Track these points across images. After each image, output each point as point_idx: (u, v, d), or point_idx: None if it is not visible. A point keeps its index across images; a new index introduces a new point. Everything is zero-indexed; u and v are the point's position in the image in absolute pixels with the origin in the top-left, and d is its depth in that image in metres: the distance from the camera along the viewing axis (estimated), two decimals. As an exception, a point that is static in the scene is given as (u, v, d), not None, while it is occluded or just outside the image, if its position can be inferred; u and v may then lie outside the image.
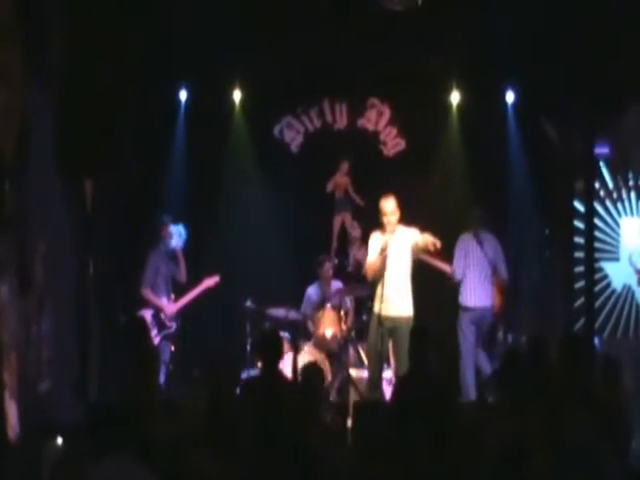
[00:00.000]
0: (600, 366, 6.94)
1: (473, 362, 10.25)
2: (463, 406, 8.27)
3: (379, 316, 9.10)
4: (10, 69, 7.33)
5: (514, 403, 5.95)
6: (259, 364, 7.52)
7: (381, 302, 9.12)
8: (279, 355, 7.34)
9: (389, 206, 9.25)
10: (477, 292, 10.33)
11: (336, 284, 11.07)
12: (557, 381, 6.33)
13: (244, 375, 10.24)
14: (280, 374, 7.36)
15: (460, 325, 10.33)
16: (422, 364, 7.28)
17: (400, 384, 7.72)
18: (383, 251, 9.09)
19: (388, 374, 9.78)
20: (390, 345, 9.31)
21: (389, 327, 9.13)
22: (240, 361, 10.42)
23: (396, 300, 9.20)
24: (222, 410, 6.16)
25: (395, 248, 9.18)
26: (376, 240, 9.34)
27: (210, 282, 10.47)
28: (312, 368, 7.59)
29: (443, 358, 10.70)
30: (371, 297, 9.53)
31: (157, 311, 10.26)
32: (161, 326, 10.24)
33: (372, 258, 9.33)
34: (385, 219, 9.24)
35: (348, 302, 10.84)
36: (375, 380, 9.20)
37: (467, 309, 10.36)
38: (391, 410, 6.67)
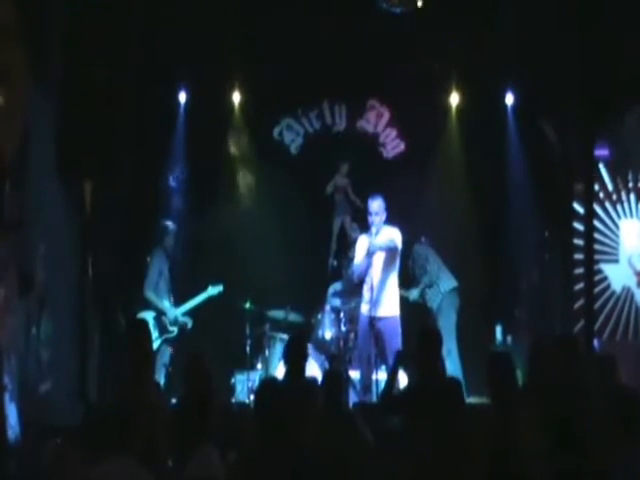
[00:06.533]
0: (596, 365, 6.96)
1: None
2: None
3: (367, 317, 9.14)
4: (12, 70, 7.35)
5: (503, 404, 5.96)
6: (285, 368, 7.45)
7: (368, 303, 9.15)
8: (305, 359, 7.31)
9: (374, 206, 9.22)
10: None
11: (336, 287, 11.09)
12: (554, 381, 6.33)
13: (243, 377, 10.31)
14: (305, 378, 7.33)
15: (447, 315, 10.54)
16: (433, 368, 7.14)
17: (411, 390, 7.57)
18: (368, 253, 9.12)
19: (382, 375, 9.71)
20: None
21: (377, 328, 9.14)
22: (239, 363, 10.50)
23: (383, 300, 9.21)
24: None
25: (380, 249, 9.20)
26: (363, 242, 9.37)
27: (214, 291, 10.50)
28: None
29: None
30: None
31: (159, 314, 10.26)
32: (162, 329, 10.24)
33: (358, 260, 9.36)
34: (370, 219, 9.24)
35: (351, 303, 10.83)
36: (367, 382, 9.20)
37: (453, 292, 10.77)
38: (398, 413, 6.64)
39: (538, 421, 5.51)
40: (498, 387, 6.06)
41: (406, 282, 10.58)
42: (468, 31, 10.53)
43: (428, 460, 5.57)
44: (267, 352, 10.48)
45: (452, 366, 10.03)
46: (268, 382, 6.66)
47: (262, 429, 5.34)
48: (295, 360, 7.12)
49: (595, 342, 10.41)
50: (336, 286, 11.15)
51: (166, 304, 10.33)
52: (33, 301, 8.39)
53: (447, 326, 10.47)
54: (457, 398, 6.59)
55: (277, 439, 5.28)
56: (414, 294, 10.86)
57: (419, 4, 9.63)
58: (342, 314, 10.72)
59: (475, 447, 5.53)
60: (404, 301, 10.04)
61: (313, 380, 7.65)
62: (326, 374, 7.35)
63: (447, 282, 10.88)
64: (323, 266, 11.66)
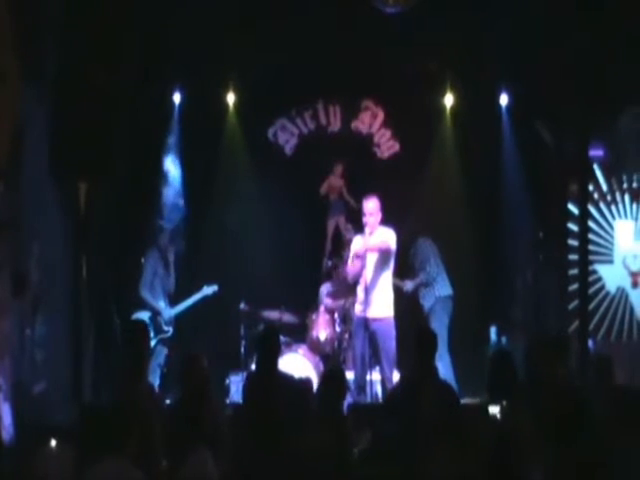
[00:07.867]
0: (593, 365, 6.97)
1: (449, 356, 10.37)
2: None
3: (361, 318, 9.15)
4: (5, 71, 7.33)
5: (507, 403, 5.98)
6: (256, 360, 7.45)
7: (362, 304, 9.16)
8: (278, 351, 7.29)
9: (369, 207, 9.25)
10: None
11: (327, 287, 11.09)
12: (550, 381, 6.34)
13: (238, 378, 10.29)
14: (277, 371, 7.31)
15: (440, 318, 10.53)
16: (429, 367, 7.11)
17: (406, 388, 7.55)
18: (359, 255, 9.16)
19: (376, 376, 9.70)
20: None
21: (371, 329, 9.16)
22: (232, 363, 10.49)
23: (377, 301, 9.22)
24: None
25: (374, 250, 9.21)
26: (357, 243, 9.39)
27: (208, 291, 10.49)
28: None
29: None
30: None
31: (154, 314, 10.25)
32: (158, 329, 10.23)
33: (352, 261, 9.40)
34: (364, 219, 9.27)
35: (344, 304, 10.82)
36: (361, 383, 9.22)
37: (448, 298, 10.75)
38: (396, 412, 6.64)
39: (535, 420, 5.52)
40: (499, 384, 6.08)
41: (403, 272, 10.56)
42: (462, 32, 10.53)
43: (427, 460, 5.57)
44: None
45: (444, 370, 10.01)
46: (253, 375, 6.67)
47: (254, 427, 5.35)
48: (268, 355, 7.10)
49: (590, 342, 10.42)
50: (327, 286, 11.14)
51: (161, 304, 10.32)
52: (27, 302, 8.37)
53: (439, 330, 10.44)
54: (453, 397, 6.61)
55: (271, 439, 5.28)
56: (408, 286, 10.81)
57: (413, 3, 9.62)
58: (336, 314, 10.72)
59: (474, 445, 5.54)
60: (398, 292, 10.02)
61: (307, 381, 7.65)
62: (327, 373, 7.35)
63: (443, 288, 10.85)
64: (318, 267, 11.66)
